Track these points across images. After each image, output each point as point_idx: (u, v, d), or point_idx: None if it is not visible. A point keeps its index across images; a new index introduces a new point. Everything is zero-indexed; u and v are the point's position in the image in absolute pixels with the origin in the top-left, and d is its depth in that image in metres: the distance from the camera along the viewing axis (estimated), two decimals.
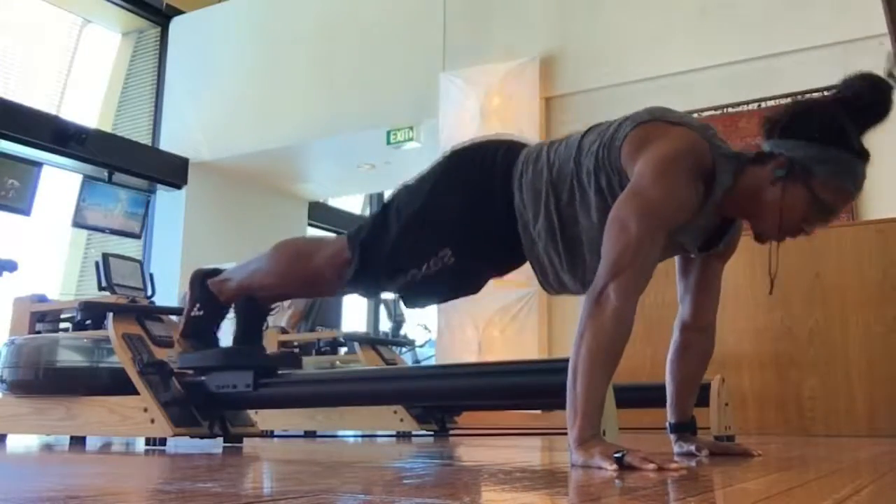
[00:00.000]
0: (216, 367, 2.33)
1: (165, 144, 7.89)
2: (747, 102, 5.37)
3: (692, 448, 1.93)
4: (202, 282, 2.25)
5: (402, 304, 2.13)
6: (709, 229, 1.76)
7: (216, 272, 2.27)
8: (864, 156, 1.63)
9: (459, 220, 1.88)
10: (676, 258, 1.90)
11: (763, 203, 1.66)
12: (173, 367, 2.45)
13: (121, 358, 2.49)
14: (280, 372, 2.37)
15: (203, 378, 2.39)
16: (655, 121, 1.67)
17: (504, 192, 1.82)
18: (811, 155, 1.60)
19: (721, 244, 1.82)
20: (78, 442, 2.78)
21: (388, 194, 2.04)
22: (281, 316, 5.59)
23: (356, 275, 1.98)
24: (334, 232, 9.65)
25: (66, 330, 2.94)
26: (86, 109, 7.93)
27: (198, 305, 2.24)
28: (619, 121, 1.72)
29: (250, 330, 2.28)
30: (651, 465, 1.37)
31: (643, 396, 2.55)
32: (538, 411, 4.72)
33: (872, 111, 1.60)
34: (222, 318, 2.28)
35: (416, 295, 2.00)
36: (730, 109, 5.42)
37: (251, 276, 2.20)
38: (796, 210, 1.64)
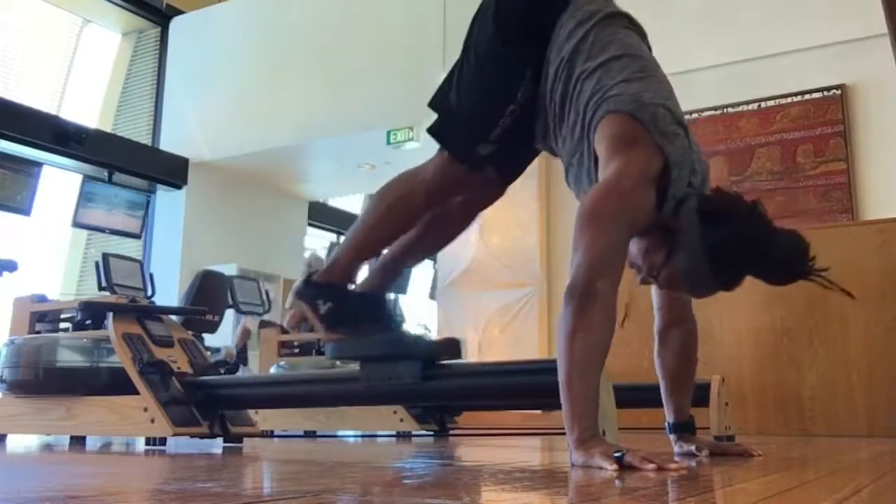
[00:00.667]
0: (379, 357, 2.09)
1: (165, 144, 7.89)
2: (747, 102, 5.37)
3: (692, 448, 1.93)
4: (307, 283, 2.05)
5: (505, 181, 1.99)
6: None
7: (314, 272, 2.09)
8: (722, 287, 1.65)
9: (527, 33, 1.83)
10: None
11: (644, 235, 1.68)
12: (174, 367, 2.45)
13: (121, 358, 2.50)
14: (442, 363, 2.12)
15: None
16: (644, 126, 1.63)
17: (554, 13, 1.81)
18: (689, 247, 1.61)
19: None
20: (78, 442, 2.79)
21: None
22: (282, 316, 5.60)
23: (450, 131, 1.89)
24: (335, 232, 9.64)
25: (66, 330, 2.94)
26: (86, 109, 7.93)
27: (320, 301, 2.01)
28: (632, 87, 1.68)
29: (383, 318, 2.08)
30: (651, 465, 1.37)
31: (642, 396, 2.55)
32: (538, 411, 4.72)
33: (770, 273, 1.63)
34: (349, 294, 2.05)
35: (516, 147, 1.91)
36: (730, 109, 5.42)
37: (363, 237, 2.02)
38: (644, 258, 1.69)
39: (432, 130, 1.92)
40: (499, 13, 1.87)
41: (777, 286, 1.65)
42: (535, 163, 2.11)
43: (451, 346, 2.18)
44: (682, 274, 1.65)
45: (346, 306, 2.03)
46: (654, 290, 1.94)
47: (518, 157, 2.00)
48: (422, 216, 2.00)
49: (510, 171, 2.00)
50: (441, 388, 2.15)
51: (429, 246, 2.16)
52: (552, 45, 1.80)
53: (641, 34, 1.90)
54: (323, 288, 2.03)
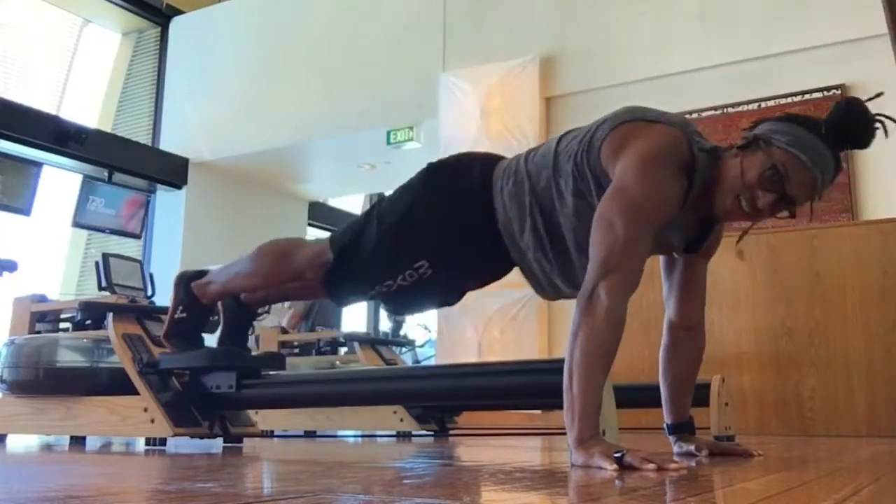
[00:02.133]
0: (198, 368, 2.33)
1: (165, 144, 7.89)
2: (747, 102, 5.37)
3: (692, 448, 1.94)
4: (186, 284, 2.26)
5: (384, 310, 2.17)
6: (691, 228, 1.77)
7: (201, 274, 2.28)
8: (830, 144, 1.63)
9: (437, 231, 1.88)
10: (661, 259, 1.90)
11: (726, 177, 1.65)
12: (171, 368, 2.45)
13: (121, 358, 2.50)
14: (265, 373, 2.39)
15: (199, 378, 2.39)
16: (634, 120, 1.67)
17: (484, 204, 1.84)
18: (776, 128, 1.64)
19: (703, 245, 1.83)
20: (78, 442, 2.79)
21: (370, 202, 2.06)
22: (281, 316, 5.61)
23: (332, 279, 2.00)
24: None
25: (66, 330, 2.94)
26: (86, 109, 7.93)
27: (181, 308, 2.25)
28: (597, 123, 1.73)
29: (235, 331, 2.29)
30: (651, 465, 1.37)
31: (643, 396, 2.55)
32: (538, 411, 4.72)
33: (850, 134, 1.64)
34: (206, 320, 2.30)
35: (394, 304, 2.02)
36: (730, 109, 5.42)
37: (234, 277, 2.21)
38: (750, 174, 1.61)
39: (327, 274, 2.02)
40: (414, 204, 1.92)
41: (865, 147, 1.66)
42: None
43: (275, 359, 2.52)
44: (790, 152, 1.60)
45: (195, 326, 2.28)
46: (668, 286, 1.91)
47: (406, 308, 2.10)
48: (292, 283, 2.17)
49: (398, 313, 2.16)
50: (254, 396, 2.39)
51: (301, 298, 2.41)
52: (503, 221, 1.82)
53: None
54: (191, 298, 2.25)
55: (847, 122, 1.63)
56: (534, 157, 1.81)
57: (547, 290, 1.90)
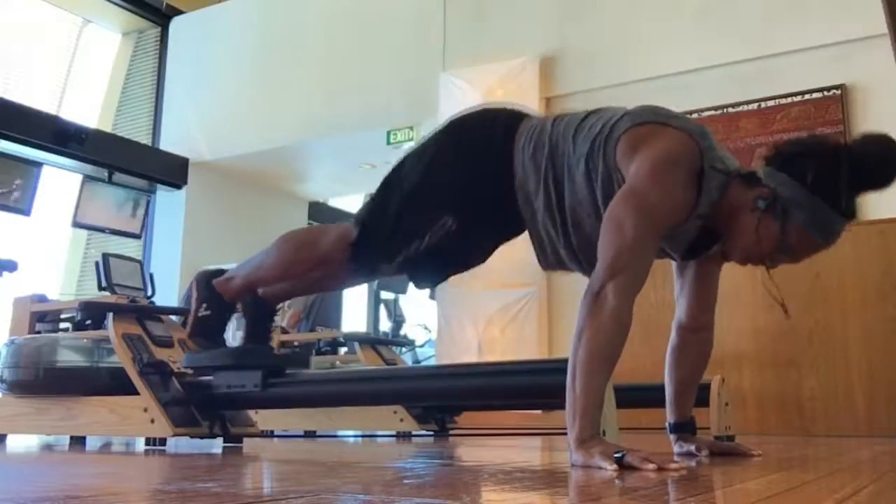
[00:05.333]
0: (224, 367, 2.31)
1: (165, 144, 7.88)
2: (747, 102, 5.37)
3: (692, 448, 1.94)
4: (207, 282, 2.24)
5: (411, 284, 2.11)
6: (692, 236, 1.76)
7: (220, 272, 2.27)
8: (847, 215, 1.62)
9: (460, 183, 1.87)
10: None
11: (738, 225, 1.67)
12: (174, 367, 2.45)
13: (121, 358, 2.50)
14: (288, 372, 2.37)
15: (209, 377, 2.39)
16: (652, 123, 1.67)
17: (505, 157, 1.82)
18: (795, 197, 1.60)
19: (710, 251, 1.82)
20: (78, 442, 2.79)
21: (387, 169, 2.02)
22: (281, 316, 5.62)
23: (360, 249, 1.97)
24: None
25: (66, 330, 2.94)
26: (86, 109, 7.92)
27: (204, 305, 2.23)
28: (619, 114, 1.72)
29: (258, 329, 2.28)
30: (651, 465, 1.37)
31: (643, 396, 2.55)
32: (538, 411, 4.72)
33: (873, 177, 1.59)
34: (229, 316, 2.27)
35: (422, 270, 1.99)
36: (730, 109, 5.42)
37: (256, 269, 2.19)
38: (763, 243, 1.66)
39: (354, 245, 2.01)
40: (435, 160, 1.90)
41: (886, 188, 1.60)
42: None
43: (297, 358, 2.45)
44: (807, 228, 1.62)
45: (219, 323, 2.25)
46: (679, 287, 1.91)
47: (434, 274, 2.07)
48: (316, 270, 2.14)
49: (426, 282, 2.08)
50: (282, 395, 2.38)
51: (323, 288, 2.42)
52: (520, 179, 1.81)
53: None
54: (214, 295, 2.23)
55: (874, 180, 1.59)
56: (558, 126, 1.80)
57: (550, 259, 1.88)
